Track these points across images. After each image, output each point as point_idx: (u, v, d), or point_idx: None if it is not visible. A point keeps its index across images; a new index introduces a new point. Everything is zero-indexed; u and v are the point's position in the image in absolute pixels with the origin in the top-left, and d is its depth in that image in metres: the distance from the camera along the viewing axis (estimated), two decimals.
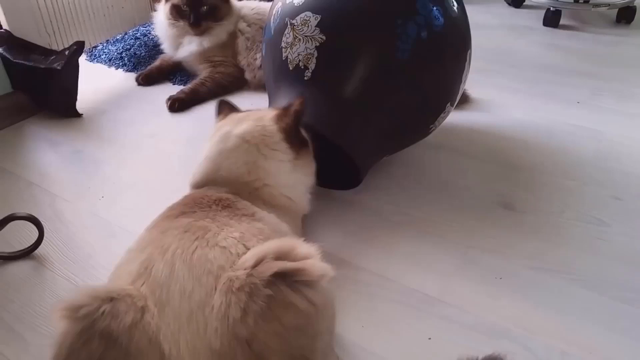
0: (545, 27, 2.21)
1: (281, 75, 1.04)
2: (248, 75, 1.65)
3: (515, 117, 1.46)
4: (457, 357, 0.73)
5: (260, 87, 1.61)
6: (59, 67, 1.41)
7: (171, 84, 1.70)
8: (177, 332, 0.58)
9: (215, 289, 0.60)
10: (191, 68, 1.71)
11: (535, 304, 0.87)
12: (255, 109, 0.97)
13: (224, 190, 0.82)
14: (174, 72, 1.74)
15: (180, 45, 1.68)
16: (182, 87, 1.62)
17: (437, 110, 1.07)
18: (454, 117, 1.36)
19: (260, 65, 1.60)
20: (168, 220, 0.73)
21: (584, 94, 1.60)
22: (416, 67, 0.98)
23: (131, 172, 1.25)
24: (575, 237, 1.02)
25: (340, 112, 0.99)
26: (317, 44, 0.97)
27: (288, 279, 0.60)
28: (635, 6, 2.21)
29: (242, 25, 1.66)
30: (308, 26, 0.98)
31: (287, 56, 1.02)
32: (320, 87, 0.99)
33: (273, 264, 0.60)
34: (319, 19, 0.97)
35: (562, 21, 2.21)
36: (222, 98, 1.05)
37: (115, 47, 1.90)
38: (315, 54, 0.98)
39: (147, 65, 1.77)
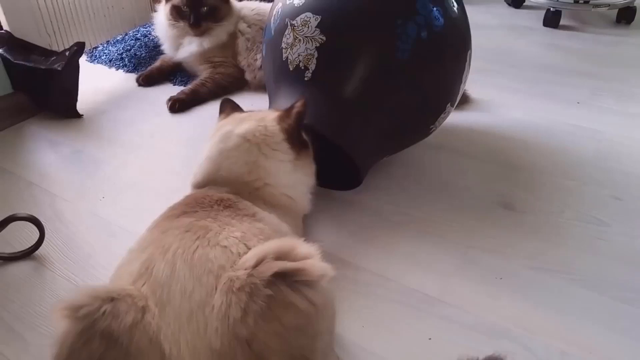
0: (545, 28, 2.21)
1: (281, 75, 1.05)
2: (248, 76, 1.65)
3: (515, 117, 1.46)
4: (457, 357, 0.73)
5: (260, 87, 1.60)
6: (59, 68, 1.41)
7: (171, 84, 1.70)
8: (178, 332, 0.58)
9: (216, 288, 0.60)
10: (191, 69, 1.71)
11: (535, 304, 0.87)
12: (257, 110, 0.97)
13: (224, 190, 0.82)
14: (174, 72, 1.74)
15: (180, 45, 1.68)
16: (182, 87, 1.63)
17: (437, 110, 1.07)
18: (454, 118, 1.36)
19: (261, 66, 1.60)
20: (169, 220, 0.73)
21: (583, 94, 1.60)
22: (416, 68, 0.98)
23: (131, 172, 1.25)
24: (575, 237, 1.02)
25: (340, 112, 0.99)
26: (318, 45, 0.97)
27: (288, 279, 0.60)
28: (635, 6, 2.21)
29: (242, 25, 1.66)
30: (308, 27, 0.98)
31: (287, 57, 1.02)
32: (320, 88, 0.99)
33: (273, 264, 0.61)
34: (319, 20, 0.97)
35: (562, 21, 2.21)
36: (225, 97, 1.05)
37: (116, 48, 1.90)
38: (316, 55, 0.98)
39: (147, 66, 1.77)
